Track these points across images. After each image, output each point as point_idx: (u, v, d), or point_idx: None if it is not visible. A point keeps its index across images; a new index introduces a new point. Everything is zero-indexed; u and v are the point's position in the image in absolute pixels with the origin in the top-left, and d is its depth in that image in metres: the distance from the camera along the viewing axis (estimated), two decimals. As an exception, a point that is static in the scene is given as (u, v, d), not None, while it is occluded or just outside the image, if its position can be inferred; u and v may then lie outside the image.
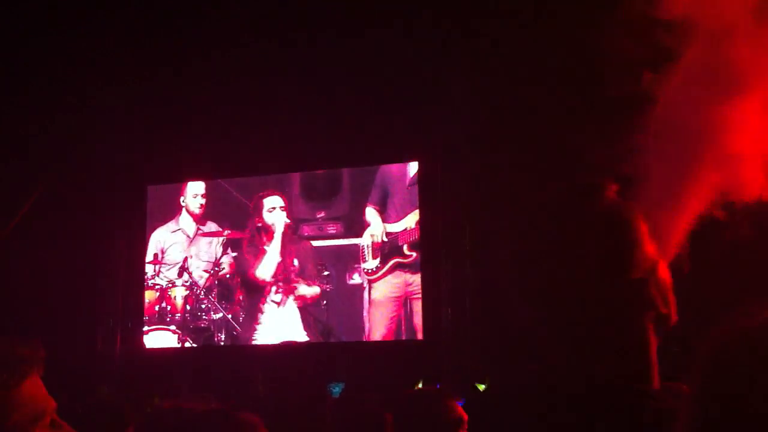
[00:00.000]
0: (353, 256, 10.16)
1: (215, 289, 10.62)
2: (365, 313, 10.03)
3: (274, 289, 10.15)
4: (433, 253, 9.54)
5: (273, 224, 10.28)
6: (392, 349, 9.69)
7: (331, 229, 10.32)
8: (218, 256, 10.66)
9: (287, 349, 9.79)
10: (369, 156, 10.14)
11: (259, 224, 10.30)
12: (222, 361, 10.00)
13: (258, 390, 6.67)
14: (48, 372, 1.54)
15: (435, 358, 9.11)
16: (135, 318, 10.62)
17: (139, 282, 10.69)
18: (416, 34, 8.65)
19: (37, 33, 9.09)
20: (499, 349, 8.23)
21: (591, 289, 1.16)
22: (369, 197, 10.18)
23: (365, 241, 10.14)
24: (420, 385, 7.49)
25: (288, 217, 10.30)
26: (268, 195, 10.42)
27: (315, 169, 10.45)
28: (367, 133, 9.68)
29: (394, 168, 10.25)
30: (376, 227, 10.11)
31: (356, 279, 10.16)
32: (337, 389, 8.46)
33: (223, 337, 10.53)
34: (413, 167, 10.10)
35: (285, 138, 9.97)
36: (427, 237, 9.67)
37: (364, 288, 10.07)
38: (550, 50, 7.76)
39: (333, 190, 10.40)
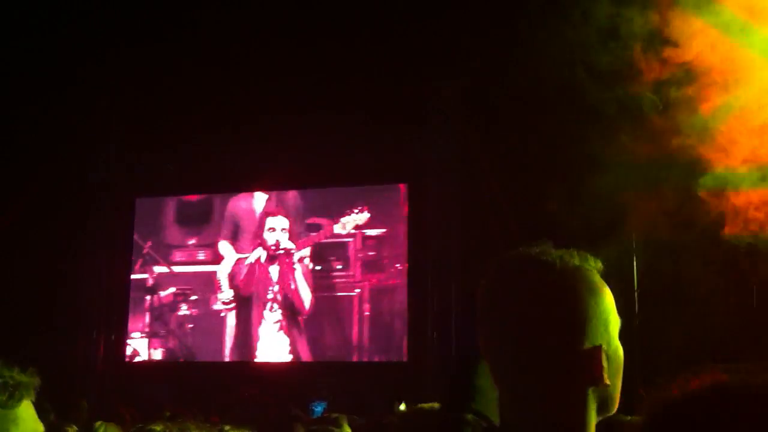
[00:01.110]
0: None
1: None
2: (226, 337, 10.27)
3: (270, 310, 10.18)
4: (420, 275, 9.51)
5: (274, 246, 10.21)
6: (376, 369, 9.65)
7: (201, 256, 10.52)
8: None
9: (272, 366, 9.78)
10: (357, 177, 10.12)
11: (260, 244, 10.27)
12: (204, 375, 9.93)
13: (246, 405, 6.66)
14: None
15: (419, 379, 9.06)
16: (118, 329, 10.53)
17: (123, 293, 10.62)
18: (403, 64, 8.74)
19: (37, 47, 9.13)
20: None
21: (539, 355, 1.18)
22: (220, 231, 10.40)
23: (220, 273, 10.32)
24: (402, 407, 7.42)
25: (291, 240, 10.19)
26: (273, 214, 10.35)
27: (305, 187, 10.41)
28: (356, 155, 9.73)
29: (240, 202, 10.41)
30: (229, 260, 10.29)
31: (219, 305, 10.36)
32: (319, 408, 8.41)
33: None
34: (260, 201, 10.29)
35: (275, 157, 9.98)
36: (414, 259, 9.65)
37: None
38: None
39: (204, 219, 10.58)
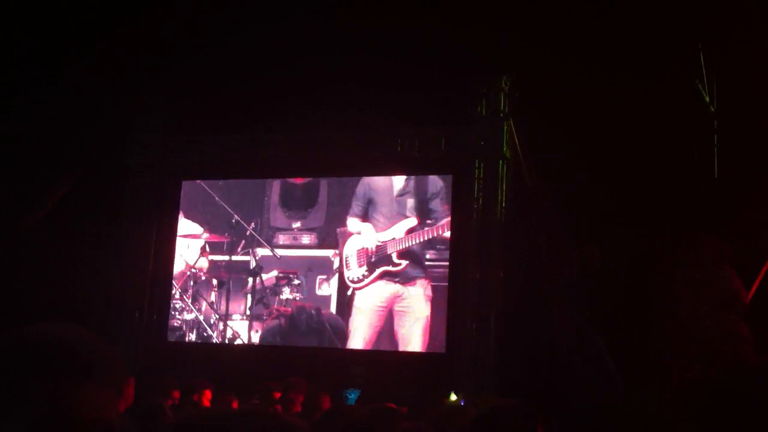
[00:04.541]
0: (324, 266, 10.31)
1: (190, 290, 10.75)
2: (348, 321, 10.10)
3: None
4: (462, 265, 9.47)
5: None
6: (411, 359, 9.65)
7: (306, 240, 10.48)
8: (195, 258, 10.77)
9: (305, 352, 9.78)
10: (403, 167, 10.13)
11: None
12: (242, 358, 10.03)
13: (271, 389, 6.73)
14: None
15: (452, 370, 9.04)
16: (160, 311, 10.68)
17: (167, 275, 10.76)
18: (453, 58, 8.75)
19: (79, 29, 9.30)
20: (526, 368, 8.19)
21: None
22: (350, 209, 10.30)
23: (349, 250, 10.20)
24: (453, 398, 7.37)
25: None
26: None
27: (346, 175, 10.47)
28: (403, 146, 9.80)
29: (379, 181, 10.31)
30: (366, 236, 10.15)
31: (324, 290, 10.30)
32: (353, 396, 8.45)
33: (193, 337, 10.68)
34: (399, 180, 10.19)
35: (321, 144, 10.10)
36: (456, 250, 9.62)
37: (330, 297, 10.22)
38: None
39: (310, 202, 10.54)
